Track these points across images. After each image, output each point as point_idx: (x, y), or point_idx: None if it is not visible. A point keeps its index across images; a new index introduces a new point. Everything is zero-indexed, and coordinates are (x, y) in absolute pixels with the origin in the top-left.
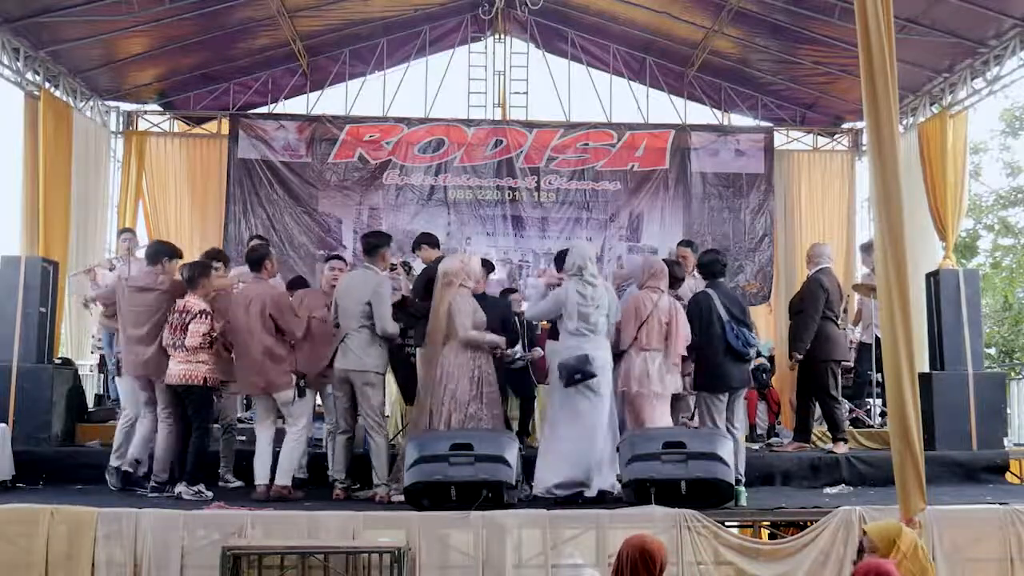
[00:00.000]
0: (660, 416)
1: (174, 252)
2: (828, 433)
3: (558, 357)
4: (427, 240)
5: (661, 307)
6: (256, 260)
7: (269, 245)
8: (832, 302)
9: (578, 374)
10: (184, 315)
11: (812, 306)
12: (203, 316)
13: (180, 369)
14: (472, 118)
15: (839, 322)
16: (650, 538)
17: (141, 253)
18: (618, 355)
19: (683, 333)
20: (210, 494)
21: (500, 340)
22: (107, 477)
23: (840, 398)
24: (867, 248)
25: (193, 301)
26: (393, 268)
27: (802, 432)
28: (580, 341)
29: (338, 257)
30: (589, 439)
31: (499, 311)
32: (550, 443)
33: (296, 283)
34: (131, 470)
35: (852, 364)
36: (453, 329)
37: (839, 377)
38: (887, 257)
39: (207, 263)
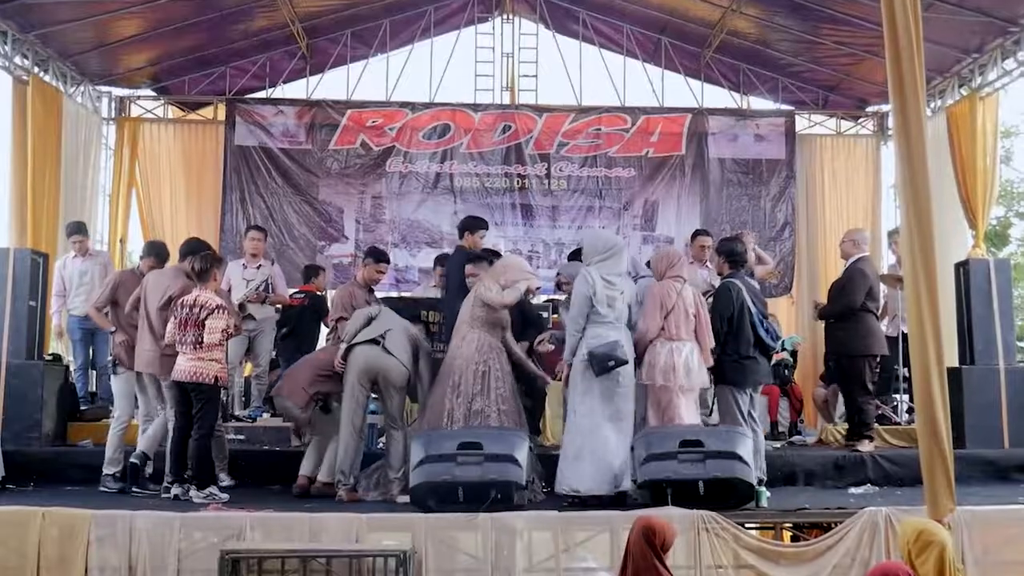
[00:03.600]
0: (687, 412)
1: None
2: (845, 430)
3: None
4: (482, 225)
5: (686, 297)
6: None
7: (267, 234)
8: (874, 294)
9: (611, 360)
10: (197, 310)
11: (852, 292)
12: (220, 311)
13: (190, 366)
14: (479, 102)
15: (877, 312)
16: (656, 516)
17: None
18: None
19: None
20: (225, 496)
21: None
22: (105, 485)
23: (872, 394)
24: (893, 234)
25: (206, 296)
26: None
27: (857, 426)
28: (605, 330)
29: (386, 259)
30: (618, 436)
31: (516, 304)
32: (575, 441)
33: (311, 271)
34: (137, 462)
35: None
36: (469, 317)
37: (875, 372)
38: (914, 246)
39: (219, 256)
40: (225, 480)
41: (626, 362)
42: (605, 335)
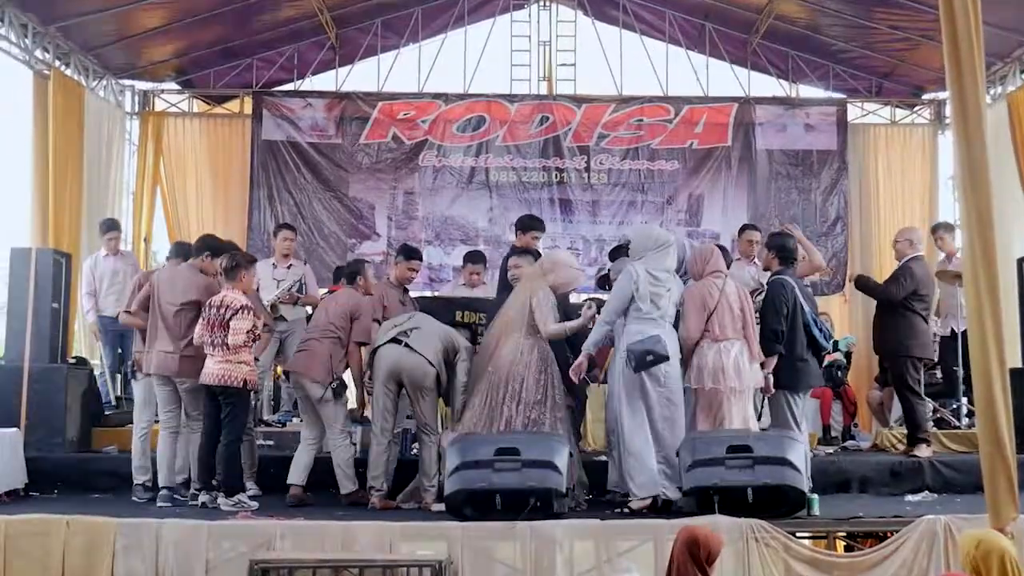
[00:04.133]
0: (739, 415)
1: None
2: (902, 435)
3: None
4: (538, 227)
5: (729, 294)
6: (351, 274)
7: (297, 233)
8: (922, 295)
9: (650, 355)
10: (223, 310)
11: (895, 283)
12: (245, 312)
13: (218, 369)
14: (515, 93)
15: (928, 315)
16: (700, 527)
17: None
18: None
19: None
20: (254, 504)
21: (580, 321)
22: (136, 496)
23: (922, 395)
24: (936, 229)
25: (232, 295)
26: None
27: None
28: (649, 327)
29: (418, 256)
30: (660, 439)
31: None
32: (632, 444)
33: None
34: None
35: (936, 359)
36: (525, 323)
37: (920, 373)
38: (973, 240)
39: (250, 255)
40: (252, 489)
41: (666, 358)
42: (647, 331)
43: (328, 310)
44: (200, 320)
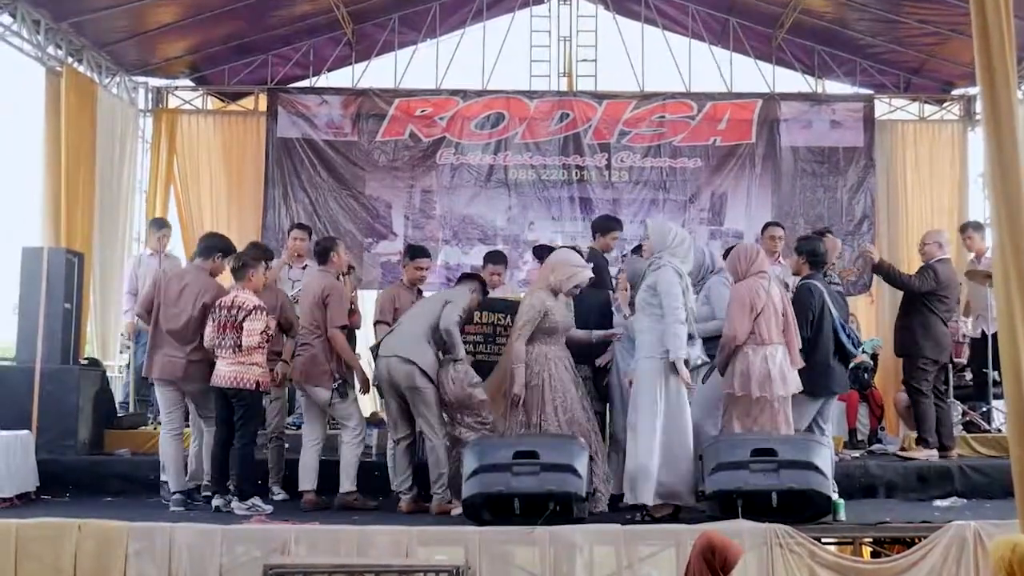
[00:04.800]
0: (783, 422)
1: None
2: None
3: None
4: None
5: (774, 295)
6: (322, 252)
7: (312, 233)
8: (943, 297)
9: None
10: (235, 312)
11: (915, 279)
12: (258, 312)
13: (230, 371)
14: (535, 89)
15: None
16: (718, 534)
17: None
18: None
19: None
20: (268, 508)
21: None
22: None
23: (929, 396)
24: (965, 228)
25: (243, 296)
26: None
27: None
28: (659, 323)
29: (423, 254)
30: (667, 444)
31: (597, 304)
32: (635, 445)
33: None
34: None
35: (965, 362)
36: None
37: (931, 374)
38: (1004, 239)
39: (258, 253)
40: (280, 494)
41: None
42: (680, 333)
43: (305, 305)
44: (209, 322)
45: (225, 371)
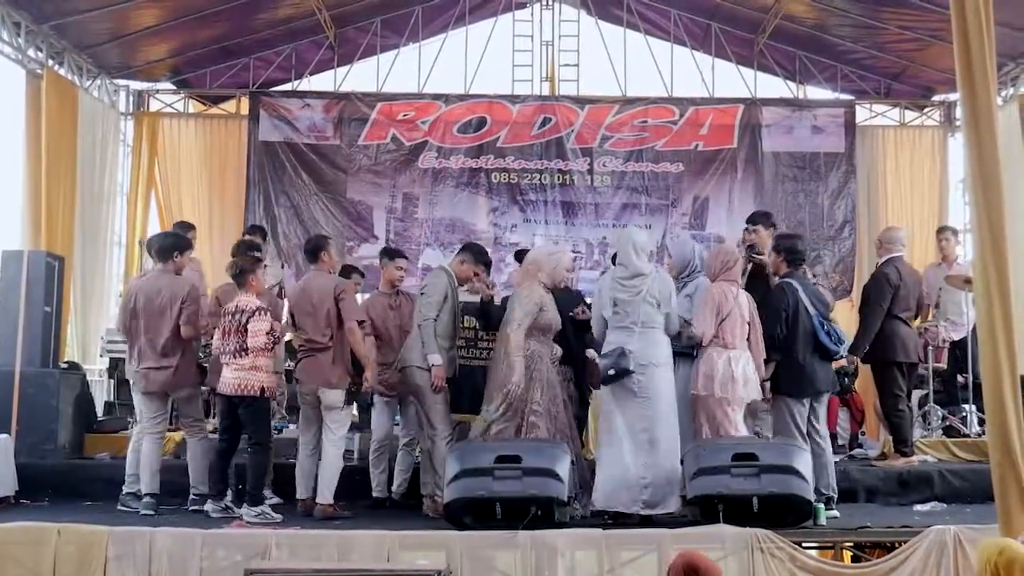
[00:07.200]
0: (740, 425)
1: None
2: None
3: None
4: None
5: (741, 303)
6: (312, 251)
7: (267, 235)
8: (902, 297)
9: (611, 370)
10: (239, 315)
11: (876, 301)
12: (262, 313)
13: (235, 377)
14: (517, 94)
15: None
16: (699, 555)
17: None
18: (681, 352)
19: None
20: (279, 517)
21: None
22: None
23: (903, 404)
24: (942, 231)
25: (246, 299)
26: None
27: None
28: (621, 336)
29: (401, 255)
30: (636, 451)
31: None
32: (601, 455)
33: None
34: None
35: (945, 366)
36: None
37: (904, 380)
38: (984, 244)
39: (254, 257)
40: (272, 498)
41: (629, 372)
42: (613, 342)
43: (308, 304)
44: (216, 329)
45: (230, 378)
